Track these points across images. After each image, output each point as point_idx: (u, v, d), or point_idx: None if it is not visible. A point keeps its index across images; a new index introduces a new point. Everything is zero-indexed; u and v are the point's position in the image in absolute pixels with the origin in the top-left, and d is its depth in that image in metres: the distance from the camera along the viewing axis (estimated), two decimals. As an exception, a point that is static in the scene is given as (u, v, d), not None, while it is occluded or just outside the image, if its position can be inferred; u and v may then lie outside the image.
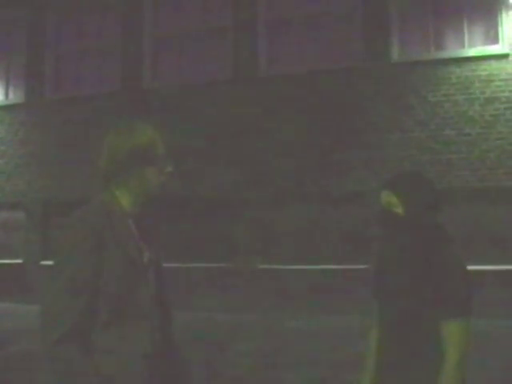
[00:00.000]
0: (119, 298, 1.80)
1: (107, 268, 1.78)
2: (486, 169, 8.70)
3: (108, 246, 1.79)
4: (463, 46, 9.08)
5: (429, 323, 1.99)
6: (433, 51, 9.22)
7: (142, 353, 1.82)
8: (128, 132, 1.91)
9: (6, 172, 11.63)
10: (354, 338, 7.27)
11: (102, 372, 1.75)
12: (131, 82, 10.75)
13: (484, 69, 8.81)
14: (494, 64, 8.77)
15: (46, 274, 10.82)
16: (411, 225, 2.04)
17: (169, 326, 2.02)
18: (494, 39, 8.92)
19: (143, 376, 1.81)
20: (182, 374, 2.05)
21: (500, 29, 8.85)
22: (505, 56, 8.72)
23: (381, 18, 9.31)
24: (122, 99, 10.73)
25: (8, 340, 7.70)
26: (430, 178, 2.16)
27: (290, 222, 9.67)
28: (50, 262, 10.96)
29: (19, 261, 11.35)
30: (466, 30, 9.11)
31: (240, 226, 9.79)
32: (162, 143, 1.97)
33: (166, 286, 2.04)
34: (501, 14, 8.84)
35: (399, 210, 2.05)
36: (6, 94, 12.05)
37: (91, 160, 10.73)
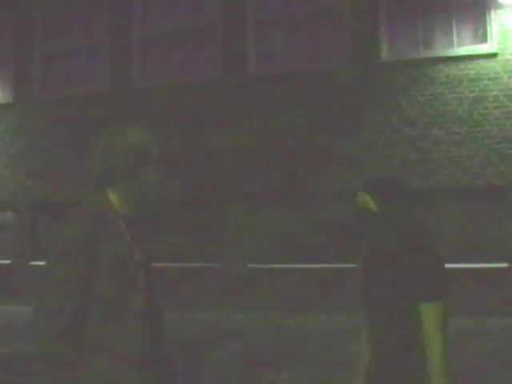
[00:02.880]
0: (111, 298, 1.81)
1: (99, 269, 1.79)
2: (474, 167, 8.73)
3: (100, 246, 1.80)
4: (452, 46, 9.10)
5: (412, 313, 2.11)
6: (421, 50, 9.24)
7: (134, 352, 1.84)
8: (123, 134, 1.93)
9: (-5, 172, 11.55)
10: (344, 337, 7.27)
11: (96, 372, 1.77)
12: (119, 81, 10.70)
13: (472, 68, 8.84)
14: (483, 63, 8.80)
15: (38, 274, 10.76)
16: (384, 219, 2.19)
17: (159, 326, 2.02)
18: (483, 38, 8.95)
19: (134, 375, 1.82)
20: (169, 374, 2.05)
21: (488, 28, 8.88)
22: (493, 55, 8.75)
23: (369, 17, 9.32)
24: (111, 99, 10.68)
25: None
26: (404, 182, 2.31)
27: (278, 221, 9.66)
28: (39, 263, 10.90)
29: (8, 261, 11.28)
30: (454, 30, 9.13)
31: (228, 225, 9.77)
32: (156, 146, 1.99)
33: (156, 286, 2.04)
34: (489, 13, 8.87)
35: (373, 207, 2.22)
36: (-6, 94, 11.97)
37: (80, 160, 10.68)
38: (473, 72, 8.83)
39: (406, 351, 2.12)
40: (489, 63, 8.77)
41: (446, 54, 8.99)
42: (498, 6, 8.77)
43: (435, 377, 2.03)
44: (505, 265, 8.46)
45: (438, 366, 2.03)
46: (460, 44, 9.07)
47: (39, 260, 10.95)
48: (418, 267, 2.09)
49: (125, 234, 1.90)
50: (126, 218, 1.95)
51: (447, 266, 2.23)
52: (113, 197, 1.93)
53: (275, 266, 9.51)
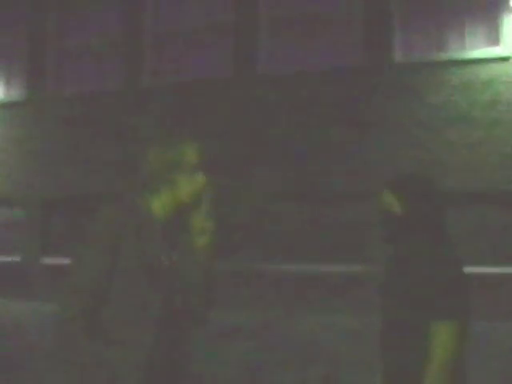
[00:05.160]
0: (127, 296, 1.89)
1: (121, 263, 1.89)
2: (486, 172, 8.70)
3: (125, 245, 1.90)
4: (465, 49, 9.08)
5: (424, 325, 1.98)
6: (434, 53, 9.23)
7: (143, 352, 1.88)
8: (167, 142, 2.07)
9: (6, 169, 11.62)
10: (350, 338, 7.28)
11: (106, 361, 1.85)
12: (133, 79, 10.74)
13: (485, 71, 8.81)
14: (496, 66, 8.77)
15: (48, 271, 10.82)
16: (408, 225, 2.06)
17: (185, 332, 2.06)
18: (496, 42, 8.92)
19: (141, 372, 1.87)
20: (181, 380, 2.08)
21: (501, 31, 8.86)
22: (506, 59, 8.72)
23: (383, 19, 9.31)
24: (124, 96, 10.73)
25: (7, 336, 7.70)
26: (432, 179, 2.15)
27: (288, 221, 9.67)
28: (49, 260, 10.96)
29: (18, 258, 11.35)
30: (467, 33, 9.11)
31: (236, 226, 9.78)
32: (198, 153, 2.09)
33: (191, 291, 2.08)
34: (502, 16, 8.85)
35: (397, 209, 2.07)
36: (8, 92, 12.05)
37: (92, 158, 10.73)
38: (485, 75, 8.80)
39: (415, 366, 1.99)
40: (501, 66, 8.75)
41: (458, 57, 8.97)
42: (511, 10, 8.75)
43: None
44: (515, 269, 8.43)
45: (434, 378, 1.92)
46: (473, 47, 9.05)
47: (49, 257, 11.01)
48: (433, 280, 1.94)
49: (157, 237, 1.99)
50: (164, 224, 2.04)
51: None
52: (152, 201, 2.03)
53: (283, 267, 9.51)
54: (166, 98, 10.42)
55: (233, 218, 9.88)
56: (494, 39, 8.95)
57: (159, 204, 2.04)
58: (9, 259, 11.39)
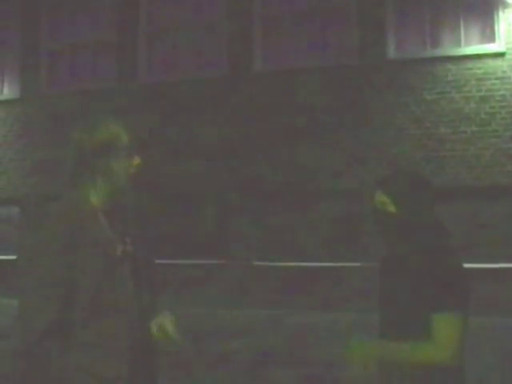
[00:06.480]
0: (95, 293, 1.80)
1: (81, 264, 1.78)
2: (480, 167, 8.71)
3: (80, 242, 1.79)
4: (459, 44, 9.08)
5: (424, 322, 1.96)
6: (429, 49, 9.22)
7: (123, 346, 1.82)
8: (90, 129, 1.96)
9: (1, 167, 11.58)
10: (348, 335, 7.27)
11: (83, 368, 1.75)
12: (126, 76, 10.70)
13: (480, 67, 8.81)
14: (490, 62, 8.77)
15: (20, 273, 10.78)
16: (402, 223, 2.03)
17: (150, 319, 1.98)
18: (491, 37, 8.92)
19: (124, 370, 1.81)
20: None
21: (496, 27, 8.85)
22: (501, 54, 8.72)
23: (376, 14, 9.29)
24: (117, 94, 10.68)
25: (2, 335, 7.68)
26: (426, 177, 2.15)
27: (285, 218, 9.66)
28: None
29: (13, 256, 11.31)
30: (462, 28, 9.10)
31: (234, 222, 9.78)
32: (127, 136, 1.97)
33: (148, 278, 2.02)
34: (497, 12, 8.84)
35: (391, 208, 2.04)
36: (1, 89, 11.99)
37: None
38: (480, 71, 8.80)
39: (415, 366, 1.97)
40: (496, 62, 8.74)
41: (453, 53, 8.96)
42: (506, 5, 8.74)
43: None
44: (510, 265, 8.44)
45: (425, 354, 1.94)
46: (467, 43, 9.04)
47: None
48: (432, 274, 1.94)
49: (104, 228, 1.89)
50: (105, 212, 1.93)
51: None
52: (88, 191, 1.92)
53: (281, 263, 9.51)
54: (161, 95, 10.38)
55: (233, 214, 9.87)
56: (490, 35, 8.95)
57: (97, 194, 1.93)
58: (4, 257, 11.35)
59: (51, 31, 11.57)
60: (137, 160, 1.97)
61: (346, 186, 9.23)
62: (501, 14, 8.79)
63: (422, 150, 8.95)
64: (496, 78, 8.73)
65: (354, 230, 9.15)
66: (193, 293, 9.71)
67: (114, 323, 1.81)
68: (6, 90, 11.94)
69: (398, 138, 9.08)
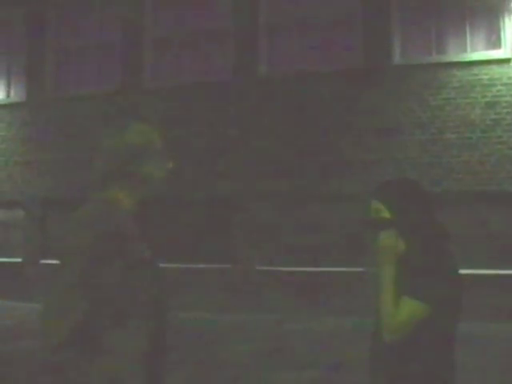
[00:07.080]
0: (122, 300, 1.77)
1: (110, 270, 1.75)
2: (485, 172, 8.70)
3: (111, 247, 1.76)
4: (465, 50, 9.08)
5: (418, 329, 1.99)
6: (434, 55, 9.22)
7: (140, 352, 1.80)
8: (122, 132, 1.91)
9: (6, 170, 11.63)
10: (352, 340, 7.26)
11: (104, 374, 1.73)
12: (132, 80, 10.75)
13: (485, 73, 8.80)
14: (496, 68, 8.77)
15: (48, 272, 10.81)
16: (397, 226, 2.09)
17: (164, 324, 1.99)
18: (496, 44, 8.92)
19: (143, 375, 1.80)
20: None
21: (502, 33, 8.85)
22: (507, 61, 8.72)
23: (382, 20, 9.31)
24: (123, 98, 10.73)
25: (7, 338, 7.69)
26: (417, 182, 2.19)
27: (289, 223, 9.66)
28: (49, 261, 10.96)
29: (18, 259, 11.35)
30: (468, 34, 9.10)
31: (238, 227, 9.78)
32: (160, 140, 1.97)
33: (163, 284, 2.01)
34: (503, 18, 8.84)
35: (386, 214, 2.12)
36: (7, 93, 12.06)
37: (91, 158, 10.72)
38: (486, 77, 8.79)
39: (405, 362, 2.01)
40: (502, 68, 8.74)
41: (459, 59, 8.96)
42: (512, 12, 8.73)
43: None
44: (515, 271, 8.41)
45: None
46: (473, 49, 9.04)
47: (49, 258, 11.01)
48: (422, 268, 2.01)
49: (136, 232, 1.87)
50: (134, 216, 1.93)
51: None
52: (120, 195, 1.91)
53: (285, 268, 9.51)
54: (166, 99, 10.41)
55: (236, 218, 9.88)
56: (495, 41, 8.94)
57: (129, 198, 1.92)
58: (9, 260, 11.39)
59: (57, 35, 11.63)
60: (169, 164, 1.97)
61: (351, 191, 9.22)
62: (507, 20, 8.79)
63: (427, 155, 8.94)
64: (502, 84, 8.73)
65: (357, 236, 9.14)
66: (196, 297, 9.72)
67: (134, 330, 1.80)
68: (12, 94, 12.00)
69: (403, 144, 9.08)
